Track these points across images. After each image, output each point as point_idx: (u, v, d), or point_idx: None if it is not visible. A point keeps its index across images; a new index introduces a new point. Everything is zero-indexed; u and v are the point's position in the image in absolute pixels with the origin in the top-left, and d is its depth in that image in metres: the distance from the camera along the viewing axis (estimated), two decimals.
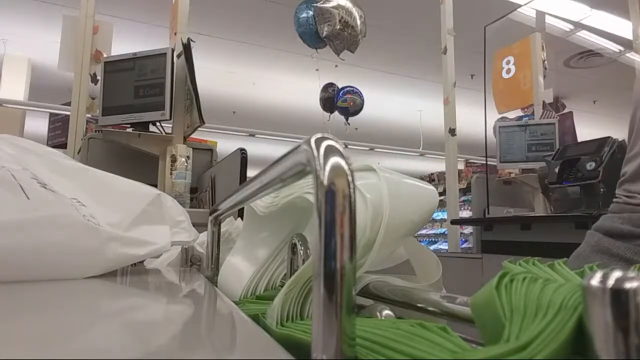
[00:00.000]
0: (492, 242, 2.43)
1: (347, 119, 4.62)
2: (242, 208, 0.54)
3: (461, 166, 6.51)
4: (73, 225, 0.51)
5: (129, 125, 2.21)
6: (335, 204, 0.21)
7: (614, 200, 0.89)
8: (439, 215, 6.81)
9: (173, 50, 2.23)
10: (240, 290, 0.51)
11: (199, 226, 0.78)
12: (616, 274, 0.16)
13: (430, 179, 7.51)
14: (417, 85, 6.53)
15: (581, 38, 4.87)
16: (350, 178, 0.21)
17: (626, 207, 0.83)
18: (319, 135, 0.24)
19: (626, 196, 0.85)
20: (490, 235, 2.46)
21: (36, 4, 4.36)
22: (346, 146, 0.23)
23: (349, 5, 3.27)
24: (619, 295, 0.16)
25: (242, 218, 0.61)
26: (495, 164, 3.02)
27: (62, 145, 2.71)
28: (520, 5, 3.86)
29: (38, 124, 4.94)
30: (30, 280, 0.46)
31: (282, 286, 0.40)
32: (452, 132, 3.12)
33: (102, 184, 0.69)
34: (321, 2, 3.22)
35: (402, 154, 8.62)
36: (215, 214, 0.60)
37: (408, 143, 8.19)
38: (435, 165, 8.33)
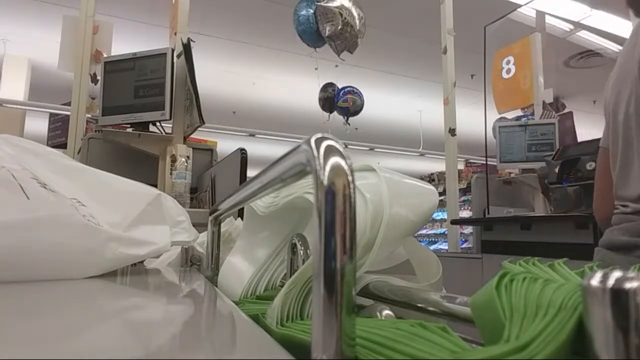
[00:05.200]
0: (492, 242, 2.43)
1: (347, 119, 4.62)
2: (242, 208, 0.54)
3: (461, 166, 6.51)
4: (73, 225, 0.51)
5: (129, 125, 2.21)
6: (335, 204, 0.21)
7: (614, 212, 0.85)
8: (439, 215, 6.81)
9: (173, 50, 2.23)
10: (240, 290, 0.51)
11: (199, 226, 0.78)
12: (616, 274, 0.16)
13: (430, 179, 7.50)
14: (417, 85, 6.53)
15: (581, 38, 4.87)
16: (350, 178, 0.21)
17: (623, 217, 0.80)
18: (319, 135, 0.24)
19: (622, 205, 0.81)
20: (490, 235, 2.46)
21: (36, 4, 4.36)
22: (346, 146, 0.23)
23: (350, 5, 3.27)
24: (619, 295, 0.16)
25: (242, 218, 0.61)
26: (495, 164, 3.02)
27: (62, 145, 2.71)
28: (520, 5, 3.86)
29: (38, 124, 4.94)
30: (30, 280, 0.46)
31: (282, 286, 0.40)
32: (452, 132, 3.12)
33: (102, 184, 0.69)
34: (324, 1, 3.22)
35: (402, 154, 8.62)
36: (215, 214, 0.60)
37: (408, 143, 8.19)
38: (435, 165, 8.33)
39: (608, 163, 0.92)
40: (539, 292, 0.21)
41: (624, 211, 0.80)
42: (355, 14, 3.29)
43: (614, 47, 4.96)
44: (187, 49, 2.16)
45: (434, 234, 7.68)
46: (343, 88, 4.53)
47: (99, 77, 2.33)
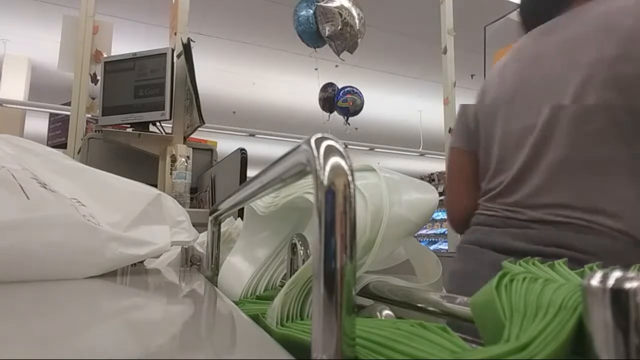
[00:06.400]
0: None
1: (347, 119, 4.62)
2: (242, 208, 0.54)
3: None
4: (73, 225, 0.51)
5: (129, 125, 2.21)
6: (335, 204, 0.21)
7: (488, 213, 0.85)
8: (439, 215, 6.80)
9: (173, 50, 2.22)
10: (240, 290, 0.51)
11: (199, 226, 0.78)
12: (616, 274, 0.16)
13: (430, 179, 7.50)
14: (417, 85, 6.53)
15: None
16: (350, 178, 0.21)
17: (512, 222, 0.79)
18: (319, 135, 0.24)
19: (508, 210, 0.81)
20: None
21: (36, 4, 4.36)
22: (346, 146, 0.23)
23: (350, 5, 3.27)
24: (619, 295, 0.16)
25: (242, 218, 0.61)
26: None
27: (62, 145, 2.70)
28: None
29: (38, 124, 4.94)
30: (31, 280, 0.46)
31: (282, 286, 0.40)
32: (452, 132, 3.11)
33: (102, 184, 0.69)
34: (324, 1, 3.22)
35: (402, 154, 8.61)
36: (215, 214, 0.60)
37: (408, 143, 8.19)
38: (435, 165, 8.33)
39: (464, 164, 0.97)
40: (539, 292, 0.21)
41: (512, 216, 0.80)
42: (355, 14, 3.29)
43: None
44: (187, 49, 2.16)
45: (434, 234, 7.67)
46: (343, 88, 4.53)
47: (99, 77, 2.33)
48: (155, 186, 1.85)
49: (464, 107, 1.02)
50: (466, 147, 0.98)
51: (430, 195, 0.44)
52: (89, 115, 2.41)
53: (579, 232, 0.71)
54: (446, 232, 4.58)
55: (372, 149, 8.21)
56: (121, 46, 2.51)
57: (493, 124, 0.89)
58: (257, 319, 0.35)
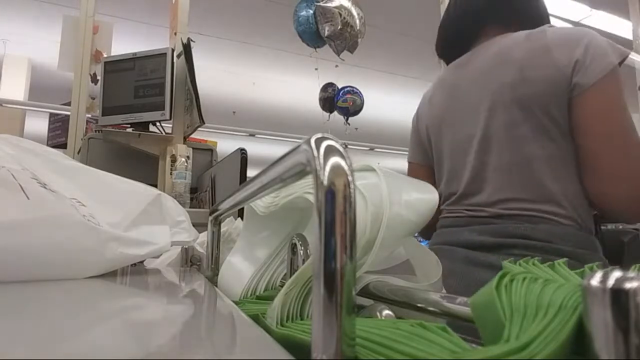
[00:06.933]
0: None
1: (347, 119, 4.62)
2: (242, 208, 0.54)
3: None
4: (73, 225, 0.51)
5: (129, 125, 2.21)
6: (335, 204, 0.21)
7: (453, 215, 0.93)
8: None
9: (173, 50, 2.22)
10: (240, 290, 0.51)
11: (199, 226, 0.78)
12: (616, 274, 0.16)
13: None
14: (417, 85, 6.53)
15: None
16: (350, 178, 0.21)
17: (476, 220, 0.87)
18: (319, 135, 0.24)
19: (470, 210, 0.89)
20: None
21: (36, 4, 4.36)
22: (346, 146, 0.23)
23: (350, 5, 3.27)
24: (619, 295, 0.16)
25: (242, 218, 0.61)
26: None
27: (62, 145, 2.70)
28: None
29: (38, 124, 4.93)
30: (31, 280, 0.46)
31: (282, 286, 0.40)
32: None
33: (102, 184, 0.69)
34: (323, 1, 3.22)
35: (402, 154, 8.60)
36: (215, 214, 0.60)
37: (408, 143, 8.18)
38: None
39: (420, 177, 1.05)
40: (539, 292, 0.21)
41: (474, 215, 0.88)
42: (354, 13, 3.29)
43: None
44: (187, 49, 2.16)
45: None
46: (343, 88, 4.53)
47: (99, 77, 2.33)
48: (155, 186, 1.85)
49: (415, 121, 1.14)
50: (422, 162, 1.11)
51: (430, 195, 0.44)
52: (89, 115, 2.41)
53: (531, 222, 0.79)
54: None
55: (372, 149, 8.21)
56: (121, 46, 2.51)
57: (440, 138, 1.00)
58: (257, 319, 0.35)
